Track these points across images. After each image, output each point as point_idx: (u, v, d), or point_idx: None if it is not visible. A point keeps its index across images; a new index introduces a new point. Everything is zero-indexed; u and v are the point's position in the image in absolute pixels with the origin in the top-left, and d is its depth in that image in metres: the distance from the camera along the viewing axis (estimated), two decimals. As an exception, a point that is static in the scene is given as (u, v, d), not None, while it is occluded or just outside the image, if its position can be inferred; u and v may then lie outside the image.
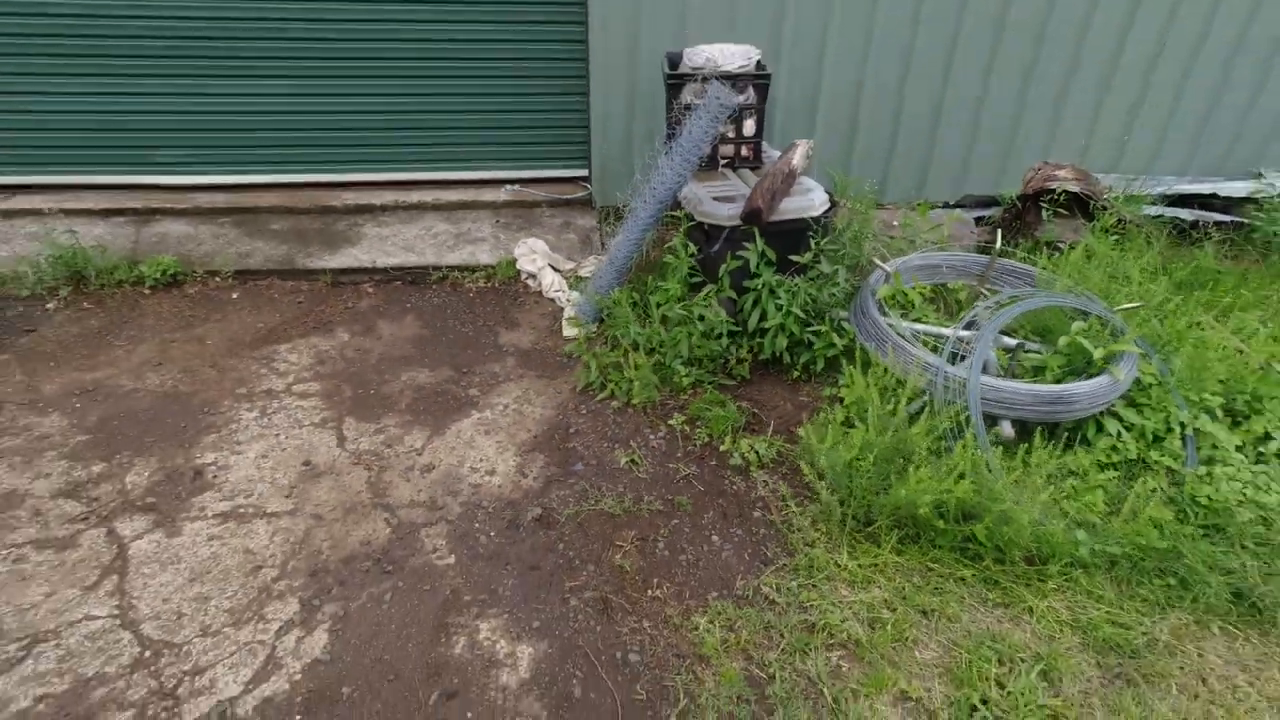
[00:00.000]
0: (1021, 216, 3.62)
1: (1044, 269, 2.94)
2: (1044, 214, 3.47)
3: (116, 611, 1.92)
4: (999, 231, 3.18)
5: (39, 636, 1.84)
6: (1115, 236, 3.34)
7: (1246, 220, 3.72)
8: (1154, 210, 3.79)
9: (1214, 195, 3.86)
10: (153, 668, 1.78)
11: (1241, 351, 2.71)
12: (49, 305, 3.23)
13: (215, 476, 2.37)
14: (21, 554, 2.06)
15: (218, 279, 3.48)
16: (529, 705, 1.74)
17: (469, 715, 1.72)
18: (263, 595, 1.98)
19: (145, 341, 3.03)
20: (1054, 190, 3.47)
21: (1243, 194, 3.86)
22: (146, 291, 3.36)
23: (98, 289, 3.32)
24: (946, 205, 4.15)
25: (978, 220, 3.80)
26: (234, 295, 3.41)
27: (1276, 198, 3.63)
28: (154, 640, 1.85)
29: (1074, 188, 3.47)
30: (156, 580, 2.01)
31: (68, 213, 3.74)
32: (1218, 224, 3.74)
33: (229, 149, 3.95)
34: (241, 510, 2.25)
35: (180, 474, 2.37)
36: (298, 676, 1.78)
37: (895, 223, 3.48)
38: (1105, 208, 3.43)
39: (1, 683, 1.73)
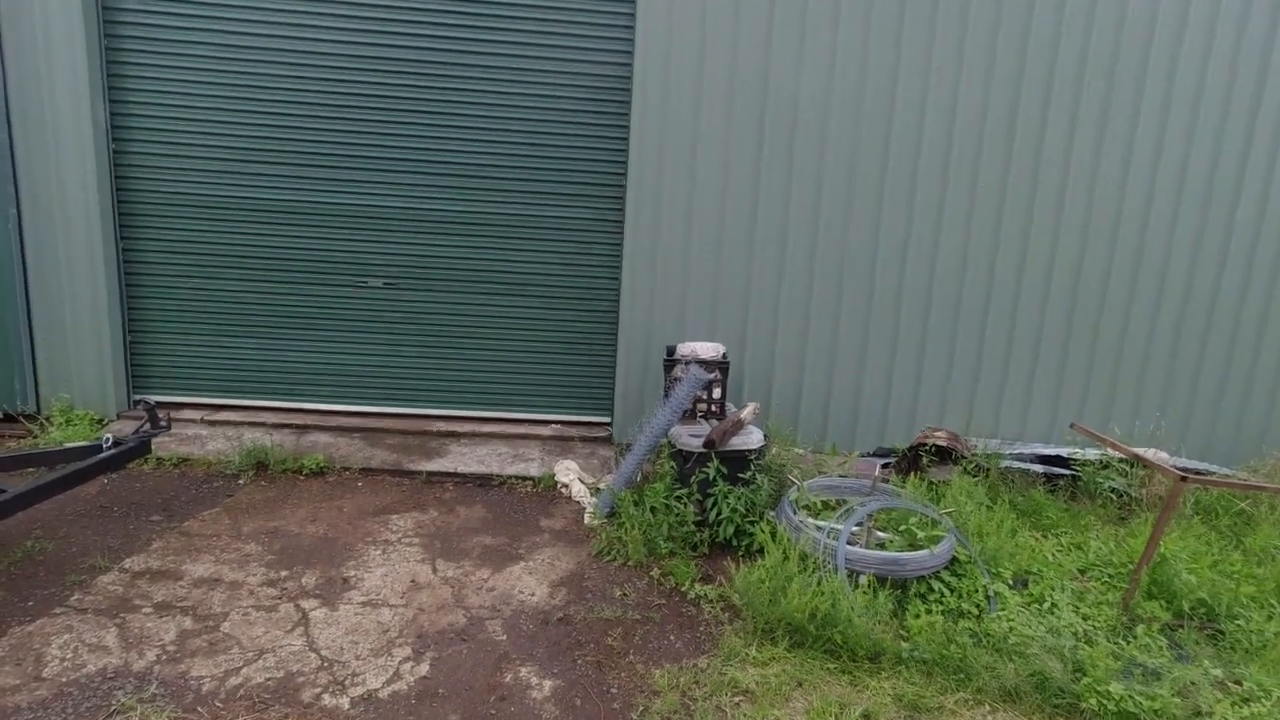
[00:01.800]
0: (912, 462, 5.14)
1: (912, 494, 4.39)
2: (923, 460, 5.00)
3: (305, 643, 3.16)
4: (884, 468, 4.69)
5: (263, 650, 3.09)
6: (977, 479, 4.83)
7: (1078, 474, 5.18)
8: (1015, 464, 5.29)
9: (1058, 456, 5.38)
10: (329, 670, 3.00)
11: (1049, 554, 4.03)
12: (241, 480, 4.79)
13: (356, 583, 3.69)
14: (246, 612, 3.36)
15: (349, 472, 5.05)
16: (549, 709, 2.89)
17: (512, 710, 2.88)
18: (389, 644, 3.22)
19: (304, 507, 4.51)
20: (929, 444, 5.04)
21: (1080, 457, 5.38)
22: (303, 477, 4.92)
23: (273, 473, 4.89)
24: (868, 454, 5.73)
25: (884, 465, 5.32)
26: (359, 484, 4.94)
27: (1086, 462, 5.12)
28: (328, 658, 3.08)
29: (943, 443, 5.04)
30: (326, 632, 3.27)
31: (253, 424, 5.49)
32: (1061, 476, 5.21)
33: (361, 389, 5.82)
34: (373, 601, 3.54)
35: (334, 580, 3.71)
36: (411, 682, 2.98)
37: (810, 458, 5.04)
38: (965, 457, 4.96)
39: (246, 670, 2.96)
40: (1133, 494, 5.06)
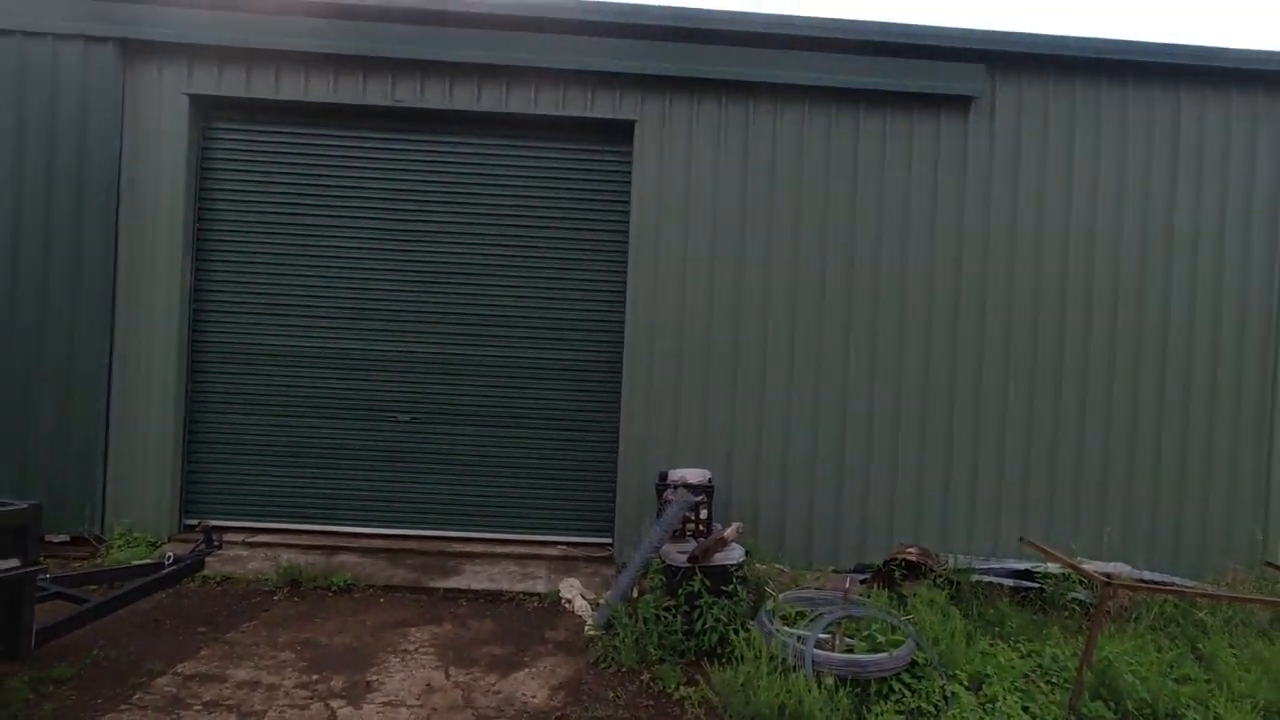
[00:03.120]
0: (886, 577, 5.58)
1: (877, 604, 4.83)
2: (895, 575, 5.44)
3: (333, 736, 3.62)
4: (857, 581, 5.14)
5: (297, 742, 3.55)
6: (946, 592, 5.25)
7: (1042, 586, 5.57)
8: (985, 578, 5.69)
9: (1026, 571, 5.78)
10: (353, 760, 3.45)
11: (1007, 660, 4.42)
12: (276, 596, 5.33)
13: (378, 686, 4.16)
14: (283, 710, 3.83)
15: (373, 589, 5.57)
16: (543, 793, 3.30)
17: (512, 793, 3.28)
18: (406, 738, 3.66)
19: (332, 620, 5.02)
20: (900, 560, 5.50)
21: (1042, 570, 5.77)
22: (331, 593, 5.45)
23: (305, 589, 5.43)
24: (850, 570, 6.15)
25: (860, 580, 5.75)
26: (382, 600, 5.45)
27: (1048, 575, 5.52)
28: (353, 749, 3.53)
29: (913, 558, 5.50)
30: (351, 727, 3.73)
31: (289, 545, 6.09)
32: (1030, 589, 5.59)
33: (387, 513, 6.43)
34: (393, 702, 4.00)
35: (358, 683, 4.17)
36: (425, 771, 3.41)
37: (789, 573, 5.50)
38: (934, 571, 5.40)
39: (282, 757, 3.42)
40: (1101, 609, 5.42)
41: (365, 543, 6.27)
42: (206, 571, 5.54)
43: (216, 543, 5.10)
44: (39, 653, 3.72)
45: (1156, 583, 5.65)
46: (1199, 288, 6.47)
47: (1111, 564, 5.84)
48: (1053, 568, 5.61)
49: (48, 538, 5.78)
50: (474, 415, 6.49)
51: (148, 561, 4.78)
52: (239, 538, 6.21)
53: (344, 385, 6.44)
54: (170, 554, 4.81)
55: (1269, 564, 5.61)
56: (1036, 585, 5.63)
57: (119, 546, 5.82)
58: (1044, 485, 6.41)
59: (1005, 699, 4.02)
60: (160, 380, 6.11)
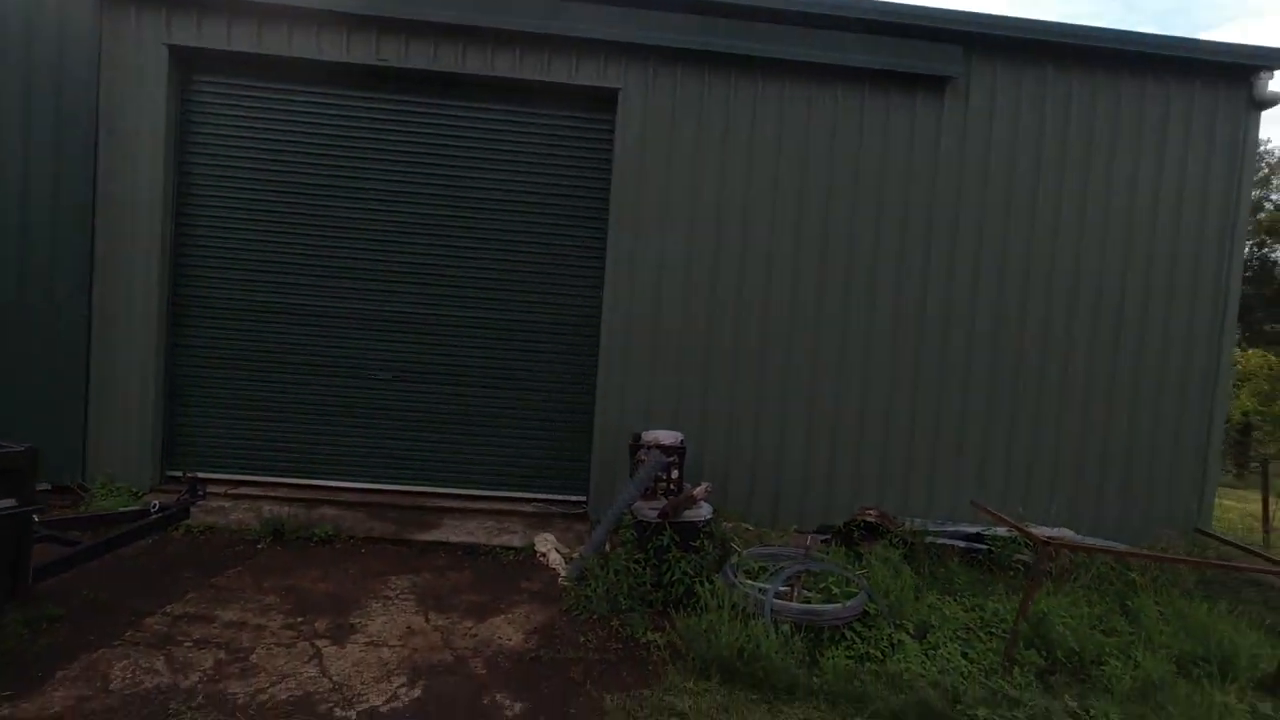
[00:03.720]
0: (846, 536, 5.89)
1: (834, 560, 5.13)
2: (855, 535, 5.76)
3: (319, 671, 3.84)
4: (819, 540, 5.44)
5: (285, 676, 3.76)
6: (901, 551, 5.58)
7: (991, 548, 5.93)
8: (940, 540, 6.04)
9: (979, 534, 6.14)
10: (339, 692, 3.67)
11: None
12: (259, 546, 5.50)
13: (360, 628, 4.37)
14: (270, 647, 4.04)
15: (354, 541, 5.76)
16: (518, 723, 3.56)
17: (488, 724, 3.54)
18: (388, 674, 3.89)
19: (315, 568, 5.21)
20: (859, 521, 5.81)
21: (991, 534, 6.14)
22: (314, 544, 5.63)
23: (287, 540, 5.61)
24: (815, 530, 6.47)
25: (822, 540, 6.06)
26: (363, 550, 5.65)
27: (996, 538, 5.88)
28: (339, 683, 3.75)
29: (872, 519, 5.81)
30: (337, 664, 3.94)
31: (270, 498, 6.24)
32: (980, 551, 5.95)
33: (367, 468, 6.60)
34: (375, 642, 4.22)
35: (342, 625, 4.39)
36: (406, 702, 3.64)
37: (754, 532, 5.80)
38: (891, 532, 5.72)
39: (272, 690, 3.63)
40: (1039, 567, 5.79)
41: (346, 497, 6.44)
42: (190, 522, 5.67)
43: (201, 493, 5.24)
44: (30, 593, 3.86)
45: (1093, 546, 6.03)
46: (1154, 270, 6.78)
47: (1056, 529, 6.21)
48: (1002, 532, 5.97)
49: (30, 485, 5.87)
50: (454, 374, 6.64)
51: (134, 508, 4.91)
52: (221, 489, 6.34)
53: (326, 342, 6.54)
54: (156, 502, 4.94)
55: (1199, 530, 6.02)
56: (986, 548, 5.99)
57: (101, 495, 5.93)
58: (1000, 456, 6.76)
59: (946, 646, 4.36)
60: (141, 333, 6.16)
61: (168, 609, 4.40)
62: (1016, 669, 4.19)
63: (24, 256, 5.96)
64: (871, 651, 4.29)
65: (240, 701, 3.51)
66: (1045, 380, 6.75)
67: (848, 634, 4.39)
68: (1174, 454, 6.84)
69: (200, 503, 5.30)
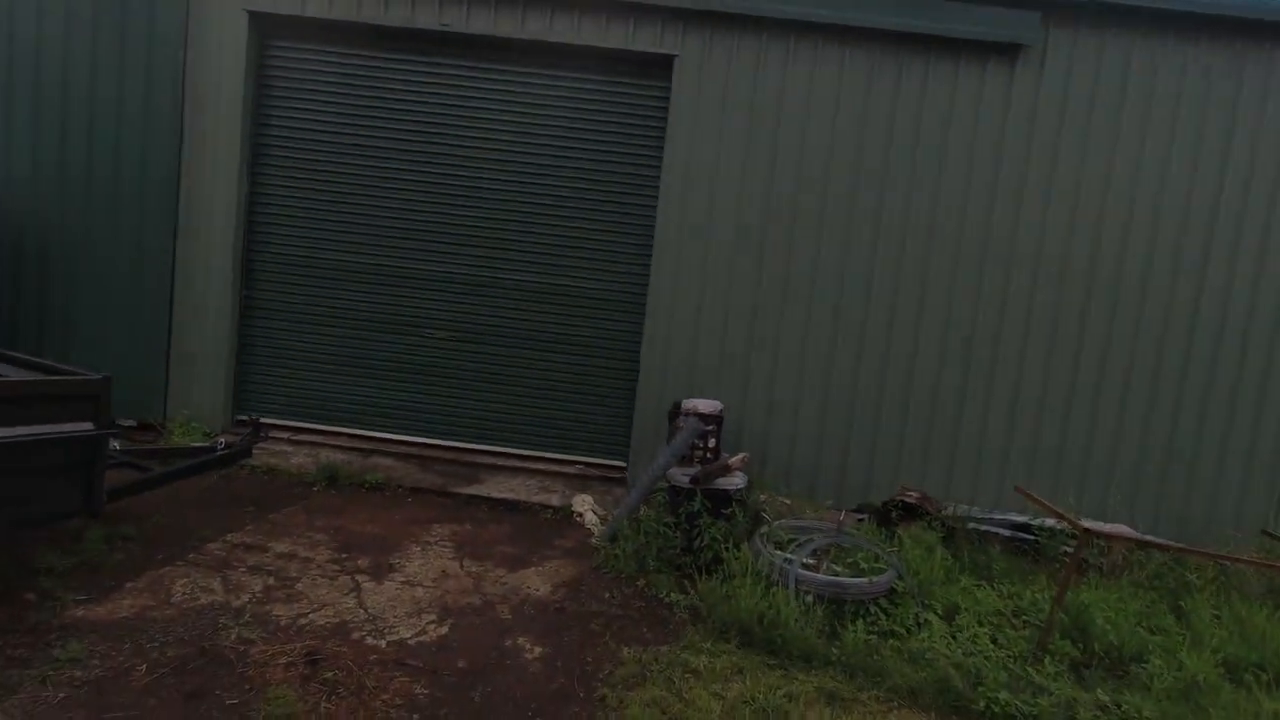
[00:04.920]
0: (884, 516, 5.80)
1: (865, 535, 5.07)
2: (892, 515, 5.66)
3: (356, 603, 4.08)
4: (854, 518, 5.38)
5: (325, 604, 4.02)
6: (942, 535, 5.47)
7: (1038, 539, 5.72)
8: (983, 527, 5.87)
9: (1025, 524, 5.93)
10: (372, 623, 3.90)
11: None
12: (315, 488, 5.84)
13: (399, 568, 4.61)
14: (314, 578, 4.32)
15: (402, 490, 6.04)
16: (535, 665, 3.70)
17: (508, 663, 3.69)
18: (419, 611, 4.10)
19: (364, 511, 5.51)
20: (899, 501, 5.71)
21: (1044, 525, 5.91)
22: (365, 490, 5.94)
23: (341, 485, 5.93)
24: (854, 509, 6.39)
25: (859, 518, 5.98)
26: (409, 499, 5.92)
27: (1043, 529, 5.66)
28: (373, 615, 3.98)
29: (912, 501, 5.70)
30: (373, 598, 4.18)
31: (329, 445, 6.60)
32: (1027, 541, 5.75)
33: (419, 422, 6.88)
34: (411, 582, 4.45)
35: (382, 564, 4.64)
36: (434, 637, 3.83)
37: (789, 505, 5.78)
38: (931, 515, 5.60)
39: (312, 615, 3.89)
40: (1090, 560, 5.56)
41: (398, 449, 6.74)
42: (254, 462, 6.07)
43: (263, 435, 5.60)
44: (107, 512, 4.24)
45: (1148, 541, 5.75)
46: (1238, 267, 6.29)
47: (1112, 525, 5.93)
48: (1052, 524, 5.75)
49: (117, 420, 6.39)
50: (505, 336, 6.82)
51: (203, 445, 5.30)
52: (284, 435, 6.75)
53: (386, 300, 6.82)
54: (221, 440, 5.31)
55: (1266, 533, 5.64)
56: (1033, 539, 5.79)
57: (179, 434, 6.40)
58: (1054, 445, 6.48)
59: (974, 629, 4.27)
60: (218, 285, 6.58)
61: (228, 537, 4.75)
62: (1048, 658, 4.07)
63: (115, 213, 6.43)
64: (895, 628, 4.24)
65: (283, 623, 3.77)
66: (1107, 367, 6.40)
67: (873, 609, 4.35)
68: (1247, 452, 6.40)
69: (261, 444, 5.66)
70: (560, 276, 6.76)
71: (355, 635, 3.76)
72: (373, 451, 6.65)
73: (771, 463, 6.48)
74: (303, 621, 3.82)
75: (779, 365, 6.51)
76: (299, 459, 6.33)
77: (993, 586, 4.99)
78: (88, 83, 6.38)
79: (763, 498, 5.61)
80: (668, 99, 6.41)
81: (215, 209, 6.52)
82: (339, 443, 6.71)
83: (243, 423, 6.65)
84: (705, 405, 5.87)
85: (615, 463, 6.86)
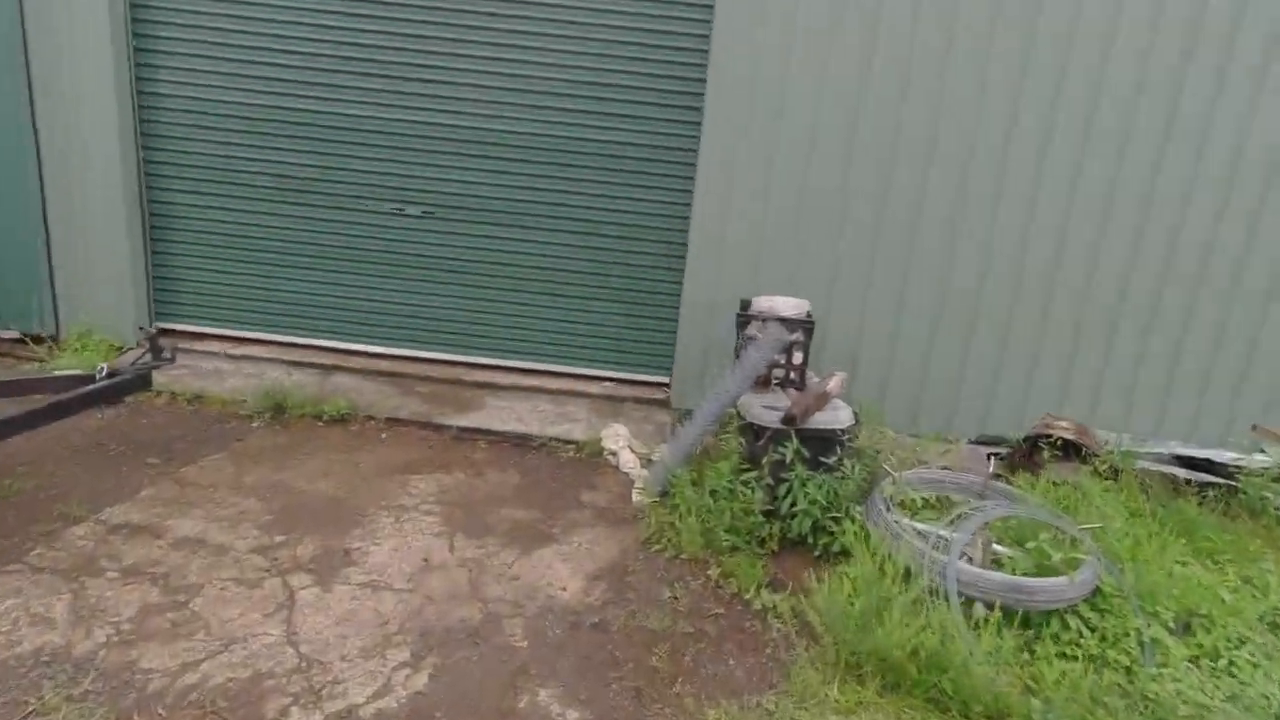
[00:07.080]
0: (1028, 456, 4.27)
1: (1040, 500, 3.55)
2: (1045, 455, 4.12)
3: (284, 633, 2.62)
4: (994, 460, 3.85)
5: (233, 639, 2.55)
6: (1109, 480, 3.95)
7: (1238, 484, 4.21)
8: (1151, 465, 4.35)
9: (1208, 461, 4.40)
10: (306, 674, 2.44)
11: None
12: (254, 424, 4.30)
13: (359, 558, 3.13)
14: (225, 586, 2.84)
15: (373, 422, 4.50)
16: (570, 750, 2.27)
17: (525, 748, 2.26)
18: (384, 641, 2.65)
19: (317, 458, 3.99)
20: (1052, 436, 4.15)
21: (1246, 464, 4.39)
22: (322, 424, 4.40)
23: (290, 418, 4.39)
24: (971, 441, 4.86)
25: (993, 455, 4.45)
26: (383, 435, 4.40)
27: (1257, 471, 4.13)
28: (308, 656, 2.52)
29: (1069, 436, 4.14)
30: (313, 620, 2.72)
31: (277, 360, 5.00)
32: (1211, 484, 4.25)
33: (394, 329, 5.25)
34: (375, 583, 2.98)
35: (334, 552, 3.16)
36: (403, 700, 2.39)
37: (905, 443, 4.22)
38: (1097, 454, 4.06)
39: (207, 665, 2.43)
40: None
41: (368, 363, 5.14)
42: (176, 387, 4.53)
43: (167, 354, 3.99)
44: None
45: None
46: None
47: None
48: (1260, 460, 4.21)
49: (-6, 332, 4.81)
50: (504, 212, 5.03)
51: (75, 372, 3.70)
52: (220, 347, 5.14)
53: (338, 164, 4.98)
54: (104, 366, 3.71)
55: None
56: (1222, 482, 4.27)
57: (74, 349, 4.81)
58: (1241, 353, 4.83)
59: (1232, 654, 2.81)
60: (101, 148, 4.74)
61: (105, 514, 3.25)
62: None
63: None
64: (1112, 655, 2.79)
65: (151, 686, 2.31)
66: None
67: (1072, 623, 2.88)
68: None
69: (170, 366, 4.05)
70: (577, 127, 4.87)
71: (272, 706, 2.30)
72: (335, 368, 5.06)
73: (861, 382, 4.86)
74: (188, 679, 2.36)
75: (877, 251, 4.77)
76: (236, 381, 4.76)
77: (1210, 564, 3.52)
78: None
79: (867, 434, 4.04)
80: None
81: (78, 39, 4.57)
82: (291, 356, 5.10)
83: (169, 333, 5.05)
84: (788, 305, 4.18)
85: (655, 379, 5.25)
